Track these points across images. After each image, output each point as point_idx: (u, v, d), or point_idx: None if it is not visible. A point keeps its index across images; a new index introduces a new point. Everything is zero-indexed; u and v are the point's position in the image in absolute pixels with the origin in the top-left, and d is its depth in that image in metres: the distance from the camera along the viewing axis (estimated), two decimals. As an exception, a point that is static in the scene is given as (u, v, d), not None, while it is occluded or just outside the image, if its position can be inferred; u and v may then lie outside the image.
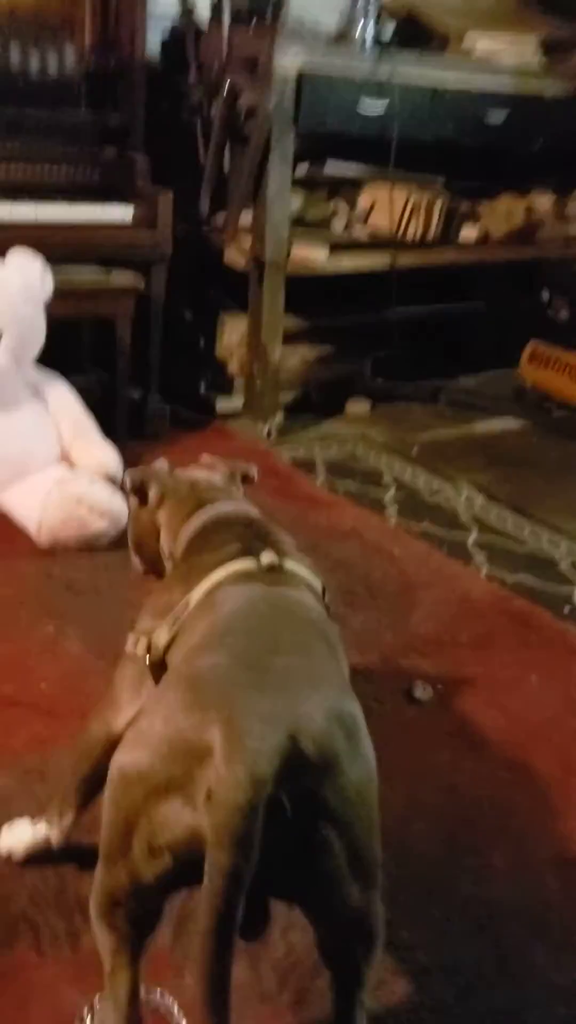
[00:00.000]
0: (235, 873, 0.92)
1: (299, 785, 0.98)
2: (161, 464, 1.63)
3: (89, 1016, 1.23)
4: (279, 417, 3.44)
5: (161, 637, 1.29)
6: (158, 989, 1.24)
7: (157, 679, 1.29)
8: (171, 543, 1.50)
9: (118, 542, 2.43)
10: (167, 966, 1.28)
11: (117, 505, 2.44)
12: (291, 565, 1.35)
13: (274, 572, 1.31)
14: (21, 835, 1.47)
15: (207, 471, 1.63)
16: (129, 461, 2.79)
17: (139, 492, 1.57)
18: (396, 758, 1.75)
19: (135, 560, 1.62)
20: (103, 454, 2.67)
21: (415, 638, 2.17)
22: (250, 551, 1.34)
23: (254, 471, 1.65)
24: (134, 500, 1.58)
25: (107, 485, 2.52)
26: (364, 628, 2.19)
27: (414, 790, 1.67)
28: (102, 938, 1.07)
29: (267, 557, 1.32)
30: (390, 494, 2.99)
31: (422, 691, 1.95)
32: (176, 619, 1.29)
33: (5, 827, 1.49)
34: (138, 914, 1.06)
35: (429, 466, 3.19)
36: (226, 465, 1.65)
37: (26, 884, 1.43)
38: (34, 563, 2.36)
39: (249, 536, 1.40)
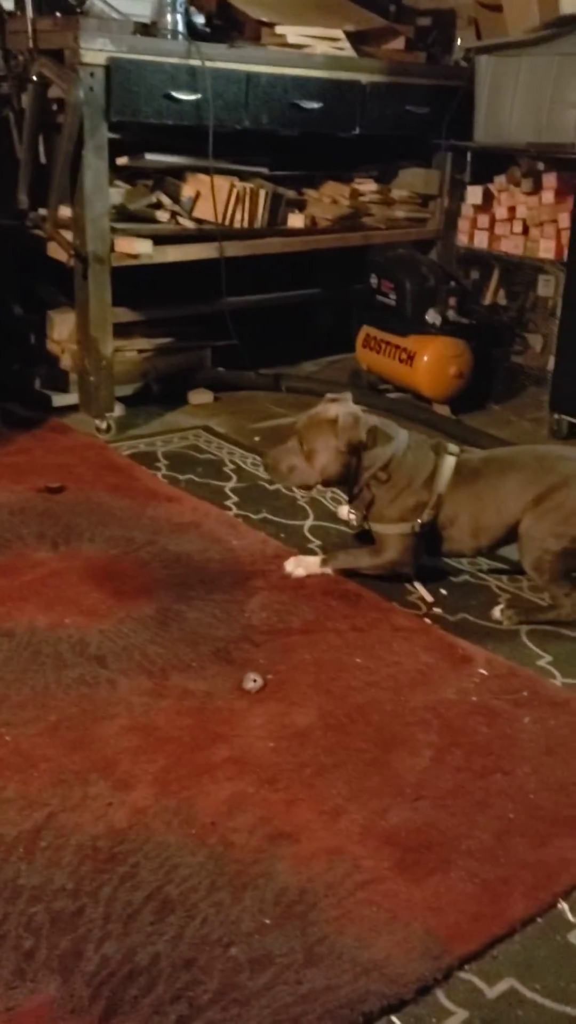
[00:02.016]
0: None
1: None
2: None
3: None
4: (117, 411, 3.40)
5: (426, 516, 2.34)
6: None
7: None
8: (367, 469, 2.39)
9: None
10: None
11: None
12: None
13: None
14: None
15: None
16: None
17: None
18: (222, 753, 1.76)
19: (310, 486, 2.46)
20: None
21: (248, 629, 2.19)
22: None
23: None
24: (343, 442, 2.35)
25: None
26: (199, 622, 2.20)
27: (237, 784, 1.69)
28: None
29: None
30: (231, 484, 3.00)
31: (253, 683, 1.97)
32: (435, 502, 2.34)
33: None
34: None
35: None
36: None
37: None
38: None
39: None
